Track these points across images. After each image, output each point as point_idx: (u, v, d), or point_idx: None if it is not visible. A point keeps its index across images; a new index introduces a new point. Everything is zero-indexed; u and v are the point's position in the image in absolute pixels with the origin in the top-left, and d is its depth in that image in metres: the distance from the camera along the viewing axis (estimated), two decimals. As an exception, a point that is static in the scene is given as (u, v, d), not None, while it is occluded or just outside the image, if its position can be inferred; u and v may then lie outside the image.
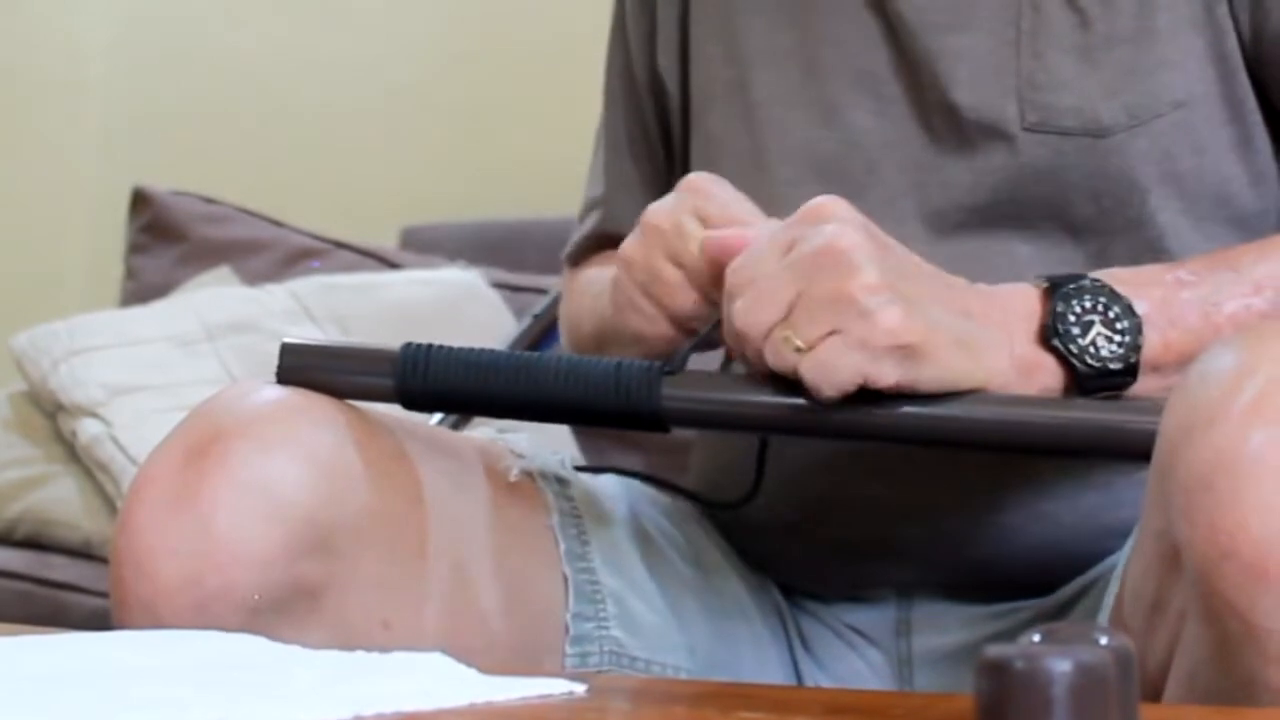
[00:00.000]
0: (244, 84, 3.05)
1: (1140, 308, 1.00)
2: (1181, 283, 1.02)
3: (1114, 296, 1.00)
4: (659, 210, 1.07)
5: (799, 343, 0.94)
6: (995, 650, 0.63)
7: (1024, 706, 0.62)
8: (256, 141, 3.04)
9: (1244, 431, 0.80)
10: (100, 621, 0.98)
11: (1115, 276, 1.02)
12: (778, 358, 0.95)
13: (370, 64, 3.01)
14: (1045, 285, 1.01)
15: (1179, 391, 0.85)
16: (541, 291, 2.31)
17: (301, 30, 3.06)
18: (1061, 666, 0.62)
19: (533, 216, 2.70)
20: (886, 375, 0.94)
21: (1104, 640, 0.66)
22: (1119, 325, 0.99)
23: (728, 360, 1.03)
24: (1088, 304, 1.00)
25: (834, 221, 0.95)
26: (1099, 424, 0.97)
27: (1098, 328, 0.99)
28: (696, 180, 1.08)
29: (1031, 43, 1.13)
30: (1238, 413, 0.80)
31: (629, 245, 1.08)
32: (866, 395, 0.95)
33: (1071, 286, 1.00)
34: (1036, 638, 0.67)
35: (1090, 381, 0.99)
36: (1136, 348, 0.99)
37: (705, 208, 1.05)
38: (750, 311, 0.95)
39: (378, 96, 2.99)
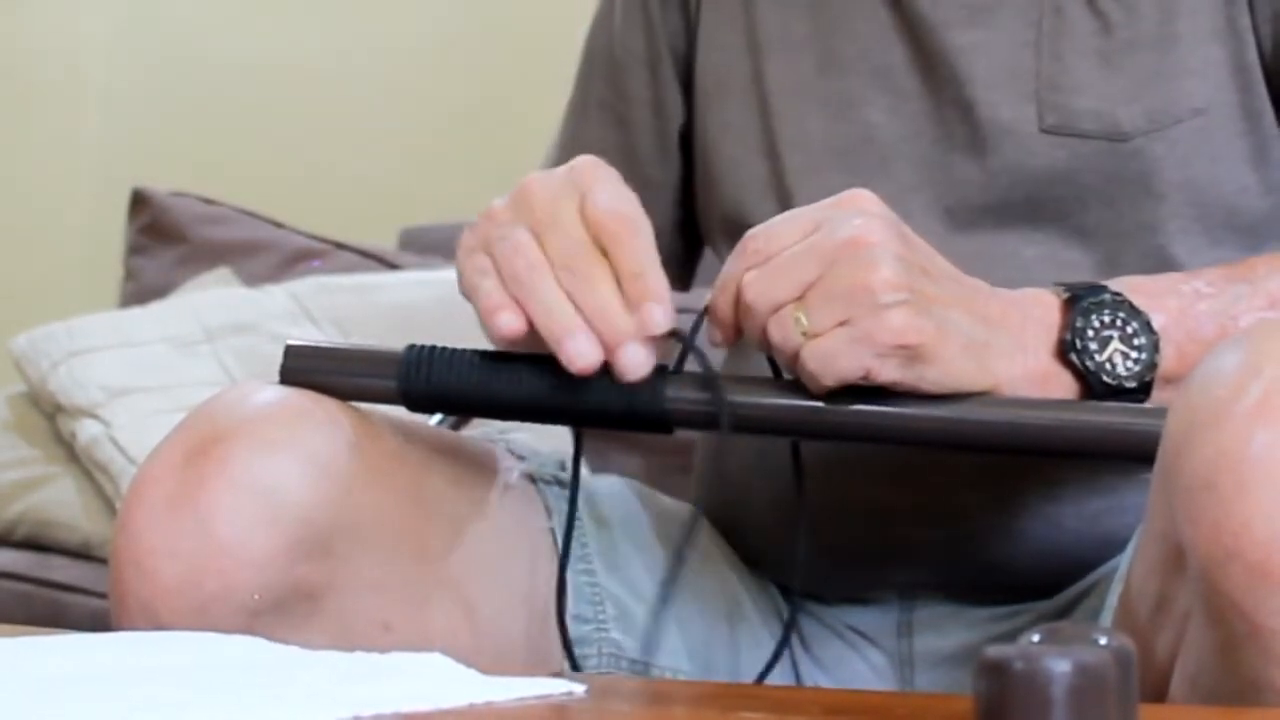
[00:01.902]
0: (243, 85, 3.05)
1: (1157, 321, 1.00)
2: (1199, 294, 1.02)
3: (1133, 312, 1.00)
4: (542, 185, 0.98)
5: (806, 326, 0.93)
6: (995, 651, 0.63)
7: (1023, 707, 0.62)
8: (256, 142, 3.04)
9: (1248, 432, 0.80)
10: (100, 623, 0.98)
11: (1134, 286, 1.02)
12: (783, 337, 0.94)
13: (370, 65, 3.01)
14: (1066, 296, 1.01)
15: (1183, 392, 0.85)
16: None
17: (301, 31, 3.06)
18: (1061, 667, 0.62)
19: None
20: (888, 373, 0.94)
21: (1103, 641, 0.66)
22: (1136, 342, 0.99)
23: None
24: (1106, 318, 0.99)
25: (865, 214, 0.95)
26: (1102, 426, 0.97)
27: (1115, 344, 0.99)
28: (586, 165, 1.00)
29: (1052, 44, 1.14)
30: (1241, 413, 0.80)
31: (498, 203, 0.99)
32: (869, 394, 0.95)
33: (1091, 300, 1.00)
34: (1036, 638, 0.67)
35: (1104, 398, 0.99)
36: (1152, 365, 0.99)
37: (591, 197, 0.96)
38: (764, 284, 0.94)
39: (377, 97, 3.00)
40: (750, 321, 0.95)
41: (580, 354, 0.95)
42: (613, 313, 0.95)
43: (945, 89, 1.16)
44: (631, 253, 0.95)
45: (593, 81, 1.33)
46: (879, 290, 0.93)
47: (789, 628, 1.08)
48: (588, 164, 0.99)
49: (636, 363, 0.95)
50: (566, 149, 1.32)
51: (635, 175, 1.28)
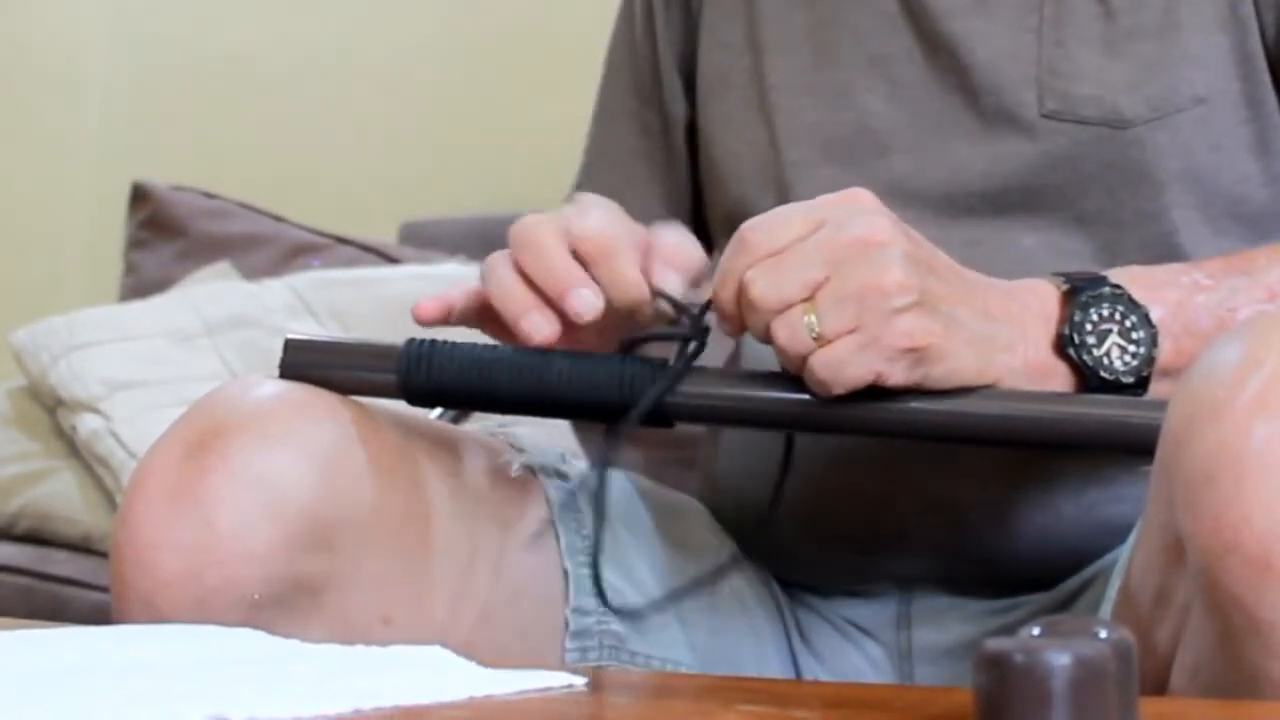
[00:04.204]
0: (243, 79, 3.05)
1: (1156, 313, 1.00)
2: (1198, 286, 1.02)
3: (1132, 305, 1.00)
4: (530, 221, 1.02)
5: (817, 329, 0.93)
6: (994, 644, 0.63)
7: (1023, 700, 0.62)
8: (256, 136, 3.04)
9: (1248, 424, 0.80)
10: (101, 617, 0.98)
11: (1133, 277, 1.02)
12: (791, 338, 0.93)
13: (370, 59, 3.01)
14: (1065, 288, 1.00)
15: (1183, 384, 0.85)
16: (541, 286, 2.31)
17: (301, 25, 3.06)
18: (1061, 660, 0.62)
19: (532, 211, 2.70)
20: (898, 375, 0.94)
21: (1103, 634, 0.66)
22: (1135, 336, 0.99)
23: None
24: (1105, 312, 0.99)
25: (867, 212, 0.95)
26: (1104, 419, 0.97)
27: (1114, 338, 0.99)
28: (582, 198, 1.05)
29: (1054, 30, 1.14)
30: (1242, 406, 0.80)
31: (493, 257, 1.03)
32: (873, 390, 0.95)
33: (1090, 294, 0.99)
34: (1036, 631, 0.67)
35: (1100, 392, 0.99)
36: (1150, 360, 0.99)
37: (574, 224, 1.00)
38: (771, 282, 0.93)
39: (377, 91, 2.99)
40: (756, 319, 0.94)
41: (535, 328, 0.99)
42: (558, 267, 0.98)
43: (945, 76, 1.16)
44: (606, 270, 0.99)
45: (616, 90, 1.34)
46: (891, 292, 0.92)
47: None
48: (581, 198, 1.04)
49: (585, 304, 0.98)
50: (596, 157, 1.34)
51: (660, 179, 1.30)
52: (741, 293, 0.94)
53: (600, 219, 1.00)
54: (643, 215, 1.10)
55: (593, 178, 1.33)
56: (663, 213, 1.28)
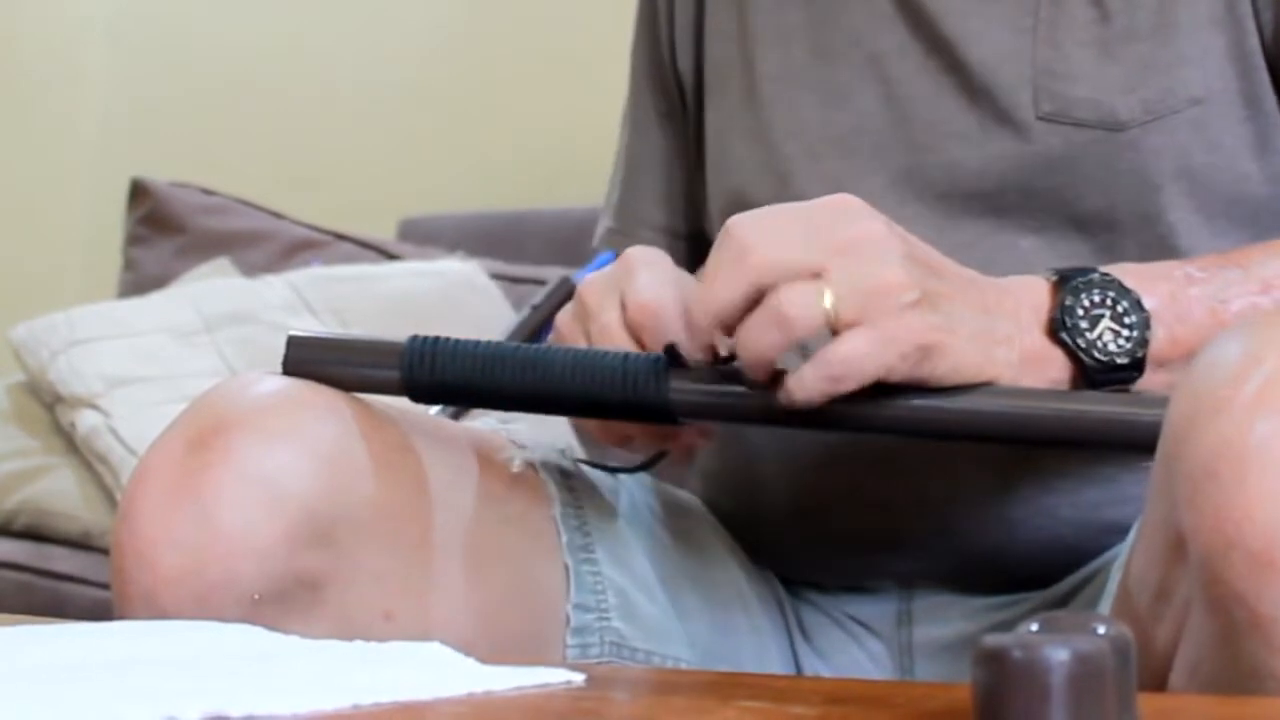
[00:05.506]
0: (243, 75, 3.06)
1: (1149, 303, 1.00)
2: (1191, 279, 1.02)
3: (1123, 290, 1.00)
4: (592, 284, 1.06)
5: (830, 304, 0.92)
6: (993, 639, 0.63)
7: (1022, 696, 0.62)
8: (255, 133, 3.04)
9: (1250, 420, 0.80)
10: (100, 613, 0.98)
11: (1125, 270, 1.02)
12: (804, 306, 0.92)
13: (369, 55, 3.01)
14: (1055, 278, 1.01)
15: (1184, 380, 0.85)
16: (540, 282, 2.32)
17: (300, 21, 3.06)
18: (1059, 656, 0.62)
19: (531, 208, 2.71)
20: (904, 371, 0.94)
21: (1102, 630, 0.66)
22: (1127, 320, 1.00)
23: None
24: (1096, 297, 1.00)
25: (860, 217, 0.95)
26: (1104, 416, 0.97)
27: (1106, 321, 0.99)
28: (628, 259, 1.06)
29: (1050, 32, 1.13)
30: (1243, 401, 0.80)
31: (563, 316, 1.08)
32: (875, 388, 0.95)
33: (1080, 280, 1.00)
34: (1034, 627, 0.67)
35: (1097, 375, 0.99)
36: (1144, 342, 0.99)
37: (628, 293, 1.03)
38: (774, 253, 0.93)
39: (376, 88, 3.00)
40: (754, 362, 0.94)
41: None
42: (616, 342, 1.02)
43: (941, 76, 1.16)
44: (653, 338, 1.01)
45: (640, 93, 1.36)
46: (896, 290, 0.93)
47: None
48: (630, 257, 1.05)
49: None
50: (635, 164, 1.37)
51: (697, 177, 1.32)
52: (744, 346, 0.94)
53: (648, 283, 1.03)
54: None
55: (637, 185, 1.35)
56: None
